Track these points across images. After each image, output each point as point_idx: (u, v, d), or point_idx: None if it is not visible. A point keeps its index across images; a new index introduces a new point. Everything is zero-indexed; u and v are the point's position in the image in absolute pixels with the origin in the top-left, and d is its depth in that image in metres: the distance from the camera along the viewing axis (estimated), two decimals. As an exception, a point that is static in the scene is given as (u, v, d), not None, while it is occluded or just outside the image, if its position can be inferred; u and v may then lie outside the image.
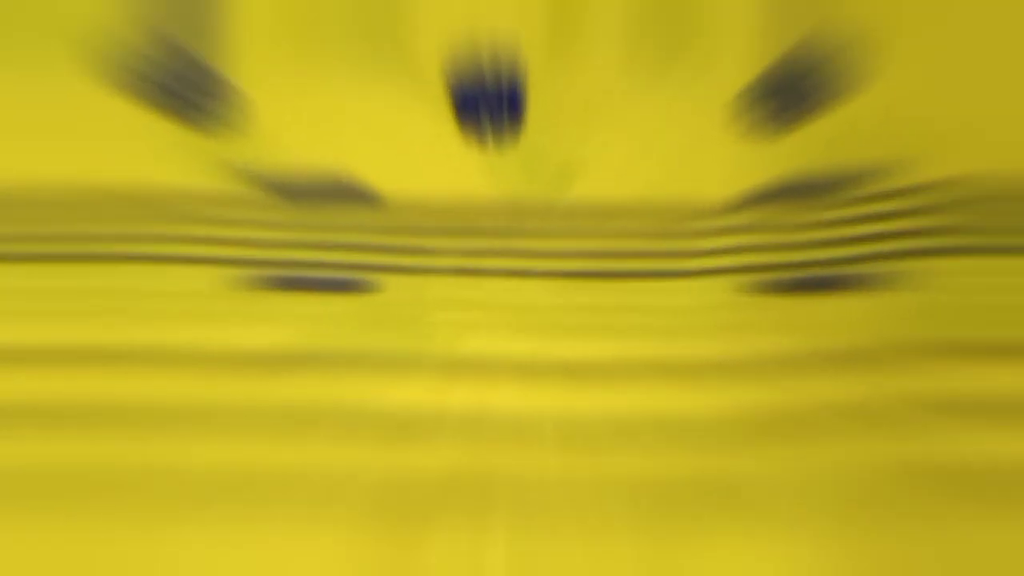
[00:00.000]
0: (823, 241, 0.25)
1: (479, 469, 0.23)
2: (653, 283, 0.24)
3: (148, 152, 0.24)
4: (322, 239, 0.24)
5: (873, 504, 0.21)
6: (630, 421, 0.23)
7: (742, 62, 0.25)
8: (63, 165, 0.24)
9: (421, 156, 0.25)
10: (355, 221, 0.24)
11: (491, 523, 0.22)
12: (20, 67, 0.24)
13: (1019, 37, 0.23)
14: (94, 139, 0.24)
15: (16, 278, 0.23)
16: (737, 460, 0.23)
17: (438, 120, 0.25)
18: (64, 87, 0.24)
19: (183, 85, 0.24)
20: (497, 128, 0.25)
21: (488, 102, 0.25)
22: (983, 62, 0.24)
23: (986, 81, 0.24)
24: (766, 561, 0.21)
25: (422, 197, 0.24)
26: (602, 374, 0.24)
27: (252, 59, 0.25)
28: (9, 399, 0.22)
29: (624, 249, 0.24)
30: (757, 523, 0.22)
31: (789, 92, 0.24)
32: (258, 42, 0.25)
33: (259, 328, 0.23)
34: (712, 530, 0.22)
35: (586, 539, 0.22)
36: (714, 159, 0.25)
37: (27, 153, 0.24)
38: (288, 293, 0.24)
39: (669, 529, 0.22)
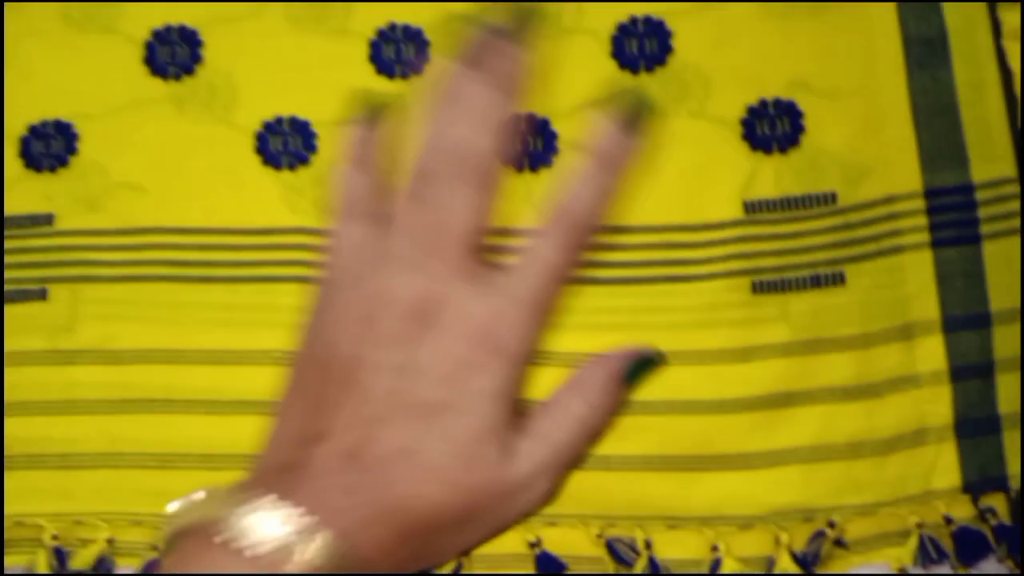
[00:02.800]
0: (806, 247, 0.28)
1: None
2: (672, 286, 0.28)
3: (267, 199, 0.29)
4: None
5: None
6: (654, 398, 0.27)
7: (737, 98, 0.29)
8: (208, 208, 0.29)
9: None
10: None
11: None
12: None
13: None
14: (229, 190, 0.29)
15: (165, 294, 0.29)
16: (740, 426, 0.27)
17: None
18: (222, 152, 0.29)
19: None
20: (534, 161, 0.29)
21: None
22: (886, 114, 0.28)
23: (889, 127, 0.28)
24: (754, 488, 0.26)
25: None
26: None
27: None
28: (154, 389, 0.28)
29: (648, 259, 0.28)
30: (747, 466, 0.27)
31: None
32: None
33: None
34: (714, 471, 0.27)
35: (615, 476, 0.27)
36: (719, 181, 0.29)
37: (188, 199, 0.29)
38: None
39: (685, 473, 0.27)
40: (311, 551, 0.19)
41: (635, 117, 0.23)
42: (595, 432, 0.25)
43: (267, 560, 0.19)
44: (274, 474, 0.23)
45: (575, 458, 0.25)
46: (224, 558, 0.19)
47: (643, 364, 0.25)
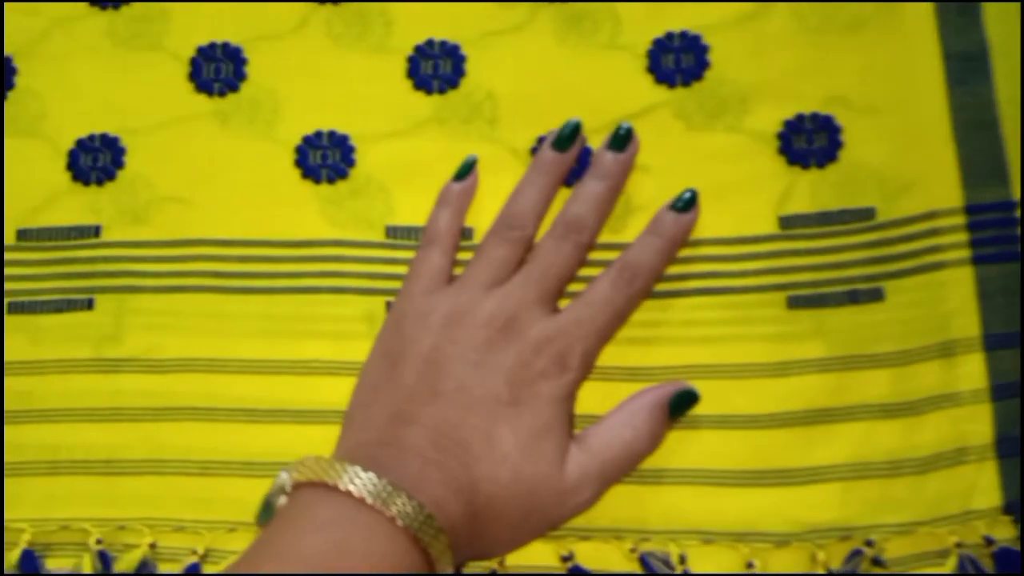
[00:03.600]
0: (843, 263, 0.28)
1: None
2: (706, 299, 0.28)
3: (306, 211, 0.30)
4: None
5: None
6: (690, 412, 0.27)
7: (774, 113, 0.29)
8: (250, 221, 0.30)
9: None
10: (458, 258, 0.30)
11: None
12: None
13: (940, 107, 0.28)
14: (270, 203, 0.30)
15: (208, 305, 0.30)
16: (777, 441, 0.27)
17: (520, 176, 0.29)
18: (264, 166, 0.30)
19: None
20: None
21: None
22: (926, 130, 0.28)
23: (929, 142, 0.28)
24: (791, 504, 0.27)
25: None
26: (662, 377, 0.28)
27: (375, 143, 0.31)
28: (190, 397, 0.29)
29: (681, 273, 0.28)
30: (783, 482, 0.27)
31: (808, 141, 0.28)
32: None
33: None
34: (750, 487, 0.27)
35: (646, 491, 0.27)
36: (754, 195, 0.29)
37: (230, 212, 0.30)
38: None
39: (721, 488, 0.27)
40: (398, 506, 0.23)
41: (689, 201, 0.29)
42: (639, 456, 0.27)
43: (370, 506, 0.23)
44: (371, 449, 0.26)
45: (618, 476, 0.27)
46: (339, 499, 0.23)
47: (686, 397, 0.27)
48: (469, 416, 0.26)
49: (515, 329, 0.27)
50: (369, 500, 0.23)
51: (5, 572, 0.28)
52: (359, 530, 0.23)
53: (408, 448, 0.25)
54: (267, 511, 0.25)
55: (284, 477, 0.25)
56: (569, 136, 0.29)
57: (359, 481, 0.23)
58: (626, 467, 0.27)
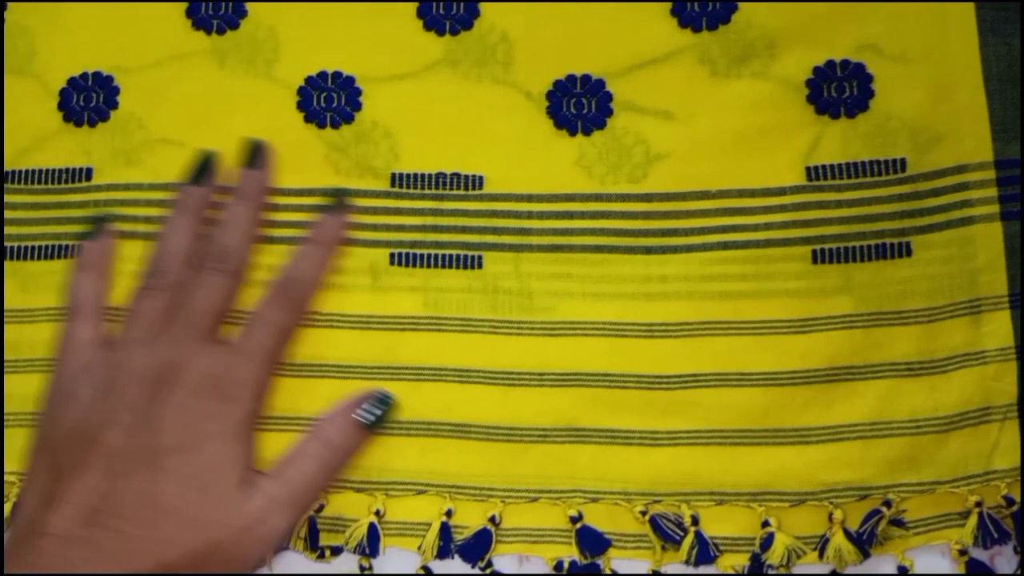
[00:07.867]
0: (872, 215, 0.29)
1: (571, 414, 0.29)
2: (727, 253, 0.29)
3: (309, 158, 0.31)
4: (439, 223, 0.31)
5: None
6: (706, 371, 0.29)
7: (803, 59, 0.30)
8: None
9: (520, 151, 0.31)
10: (464, 207, 0.31)
11: (582, 447, 0.29)
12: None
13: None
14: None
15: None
16: (796, 399, 0.28)
17: (535, 122, 0.31)
18: (264, 108, 0.31)
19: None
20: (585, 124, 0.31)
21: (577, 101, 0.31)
22: (957, 81, 0.29)
23: (960, 93, 0.29)
24: (808, 463, 0.28)
25: (521, 186, 0.30)
26: (679, 333, 0.29)
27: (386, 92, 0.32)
28: None
29: (701, 226, 0.30)
30: (802, 441, 0.28)
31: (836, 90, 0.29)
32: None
33: (393, 297, 0.30)
34: (767, 446, 0.28)
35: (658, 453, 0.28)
36: (780, 145, 0.30)
37: (227, 156, 0.31)
38: (414, 270, 0.30)
39: (736, 447, 0.28)
40: None
41: (340, 202, 0.31)
42: (332, 469, 0.29)
43: None
44: (18, 540, 0.26)
45: (315, 495, 0.29)
46: None
47: (378, 402, 0.29)
48: (122, 481, 0.26)
49: (172, 376, 0.28)
50: None
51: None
52: None
53: (59, 534, 0.25)
54: None
55: None
56: (201, 170, 0.31)
57: None
58: (322, 483, 0.28)
